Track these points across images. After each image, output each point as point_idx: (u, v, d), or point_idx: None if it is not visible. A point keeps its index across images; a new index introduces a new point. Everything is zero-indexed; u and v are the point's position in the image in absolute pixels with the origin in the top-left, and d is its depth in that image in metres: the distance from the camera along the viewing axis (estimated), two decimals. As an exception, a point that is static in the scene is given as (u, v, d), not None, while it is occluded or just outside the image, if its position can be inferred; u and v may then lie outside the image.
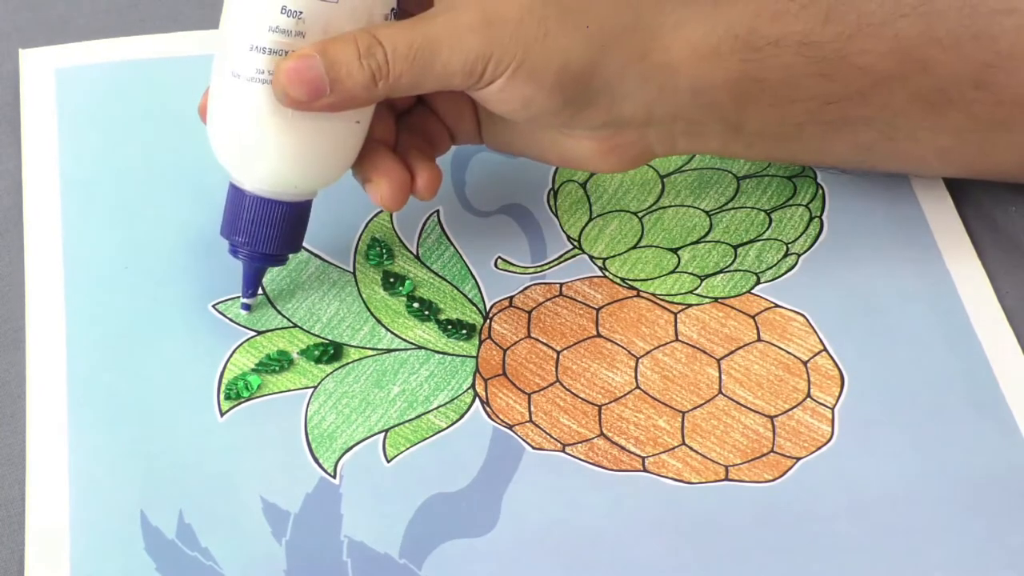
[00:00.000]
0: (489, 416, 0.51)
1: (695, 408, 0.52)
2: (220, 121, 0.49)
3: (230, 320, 0.53)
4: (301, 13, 0.46)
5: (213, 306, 0.53)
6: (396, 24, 0.47)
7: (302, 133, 0.48)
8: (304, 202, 0.50)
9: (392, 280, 0.55)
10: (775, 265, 0.56)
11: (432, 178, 0.51)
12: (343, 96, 0.47)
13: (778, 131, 0.52)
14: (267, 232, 0.50)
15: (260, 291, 0.54)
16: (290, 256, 0.52)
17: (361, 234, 0.56)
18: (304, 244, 0.55)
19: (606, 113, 0.49)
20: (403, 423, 0.51)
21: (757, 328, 0.54)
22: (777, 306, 0.55)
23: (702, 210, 0.57)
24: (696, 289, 0.55)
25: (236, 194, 0.50)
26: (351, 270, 0.55)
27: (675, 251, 0.56)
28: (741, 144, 0.52)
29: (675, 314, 0.54)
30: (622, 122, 0.50)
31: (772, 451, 0.51)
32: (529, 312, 0.54)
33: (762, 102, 0.50)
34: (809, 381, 0.53)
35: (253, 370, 0.51)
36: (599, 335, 0.54)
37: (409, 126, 0.52)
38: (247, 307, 0.53)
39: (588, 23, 0.48)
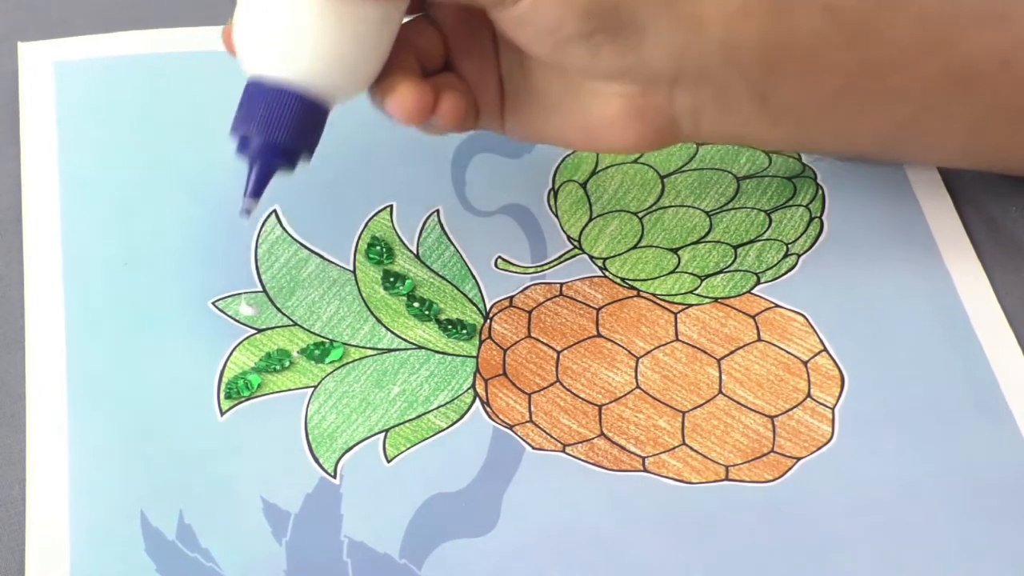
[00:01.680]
0: (489, 416, 0.51)
1: (695, 408, 0.52)
2: (252, 11, 0.48)
3: (230, 318, 0.53)
4: None
5: (213, 303, 0.53)
6: None
7: (335, 21, 0.47)
8: (322, 104, 0.48)
9: (392, 279, 0.55)
10: (775, 265, 0.56)
11: (457, 104, 0.49)
12: None
13: (805, 103, 0.51)
14: (283, 121, 0.47)
15: (260, 288, 0.53)
16: (299, 164, 0.49)
17: (361, 233, 0.56)
18: (304, 242, 0.55)
19: (635, 52, 0.48)
20: (403, 423, 0.51)
21: (757, 328, 0.54)
22: (777, 306, 0.55)
23: (702, 210, 0.57)
24: (696, 289, 0.55)
25: (254, 89, 0.48)
26: (351, 269, 0.55)
27: (675, 251, 0.56)
28: (768, 120, 0.52)
29: (675, 314, 0.54)
30: (650, 71, 0.49)
31: (772, 451, 0.51)
32: (529, 312, 0.54)
33: (789, 67, 0.49)
34: (809, 381, 0.53)
35: (253, 369, 0.51)
36: (599, 335, 0.54)
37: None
38: (247, 212, 0.49)
39: None
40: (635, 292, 0.55)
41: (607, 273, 0.55)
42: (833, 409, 0.52)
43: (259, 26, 0.48)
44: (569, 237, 0.57)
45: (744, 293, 0.55)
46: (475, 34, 0.51)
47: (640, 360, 0.53)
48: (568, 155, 0.59)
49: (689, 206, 0.57)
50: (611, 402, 0.52)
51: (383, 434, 0.50)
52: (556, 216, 0.57)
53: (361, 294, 0.54)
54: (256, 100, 0.48)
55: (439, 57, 0.52)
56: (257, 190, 0.48)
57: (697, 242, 0.56)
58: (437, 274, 0.55)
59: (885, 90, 0.51)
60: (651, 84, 0.49)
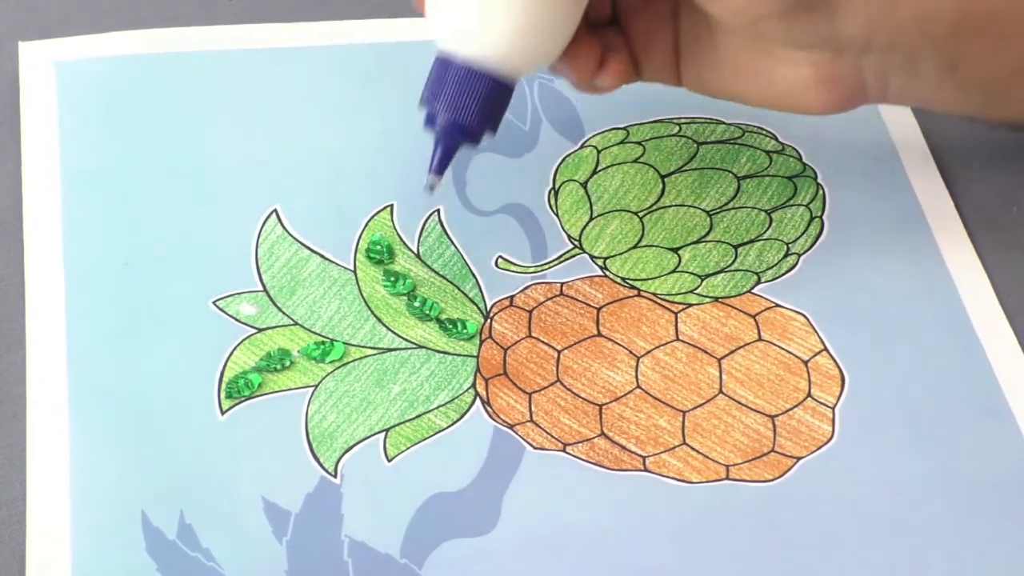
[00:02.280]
0: (490, 416, 0.51)
1: (696, 408, 0.52)
2: None
3: (231, 317, 0.53)
4: None
5: (213, 303, 0.53)
6: None
7: (528, 5, 0.47)
8: (509, 83, 0.49)
9: (393, 279, 0.55)
10: (776, 265, 0.56)
11: (619, 69, 0.51)
12: None
13: (995, 73, 0.51)
14: (471, 103, 0.48)
15: (261, 288, 0.53)
16: (482, 140, 0.50)
17: (362, 232, 0.56)
18: (304, 241, 0.55)
19: (828, 24, 0.48)
20: (404, 422, 0.51)
21: (758, 328, 0.54)
22: (778, 306, 0.55)
23: (703, 210, 0.57)
24: (697, 289, 0.55)
25: (443, 66, 0.48)
26: (352, 268, 0.55)
27: (676, 251, 0.56)
28: (956, 87, 0.51)
29: (676, 314, 0.54)
30: (842, 41, 0.49)
31: (773, 451, 0.51)
32: (530, 311, 0.54)
33: (981, 35, 0.49)
34: (810, 381, 0.53)
35: (254, 368, 0.51)
36: (600, 335, 0.54)
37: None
38: (431, 186, 0.50)
39: None
40: (635, 292, 0.55)
41: (607, 273, 0.55)
42: (833, 409, 0.52)
43: (452, 1, 0.48)
44: (569, 237, 0.57)
45: (744, 293, 0.55)
46: None
47: (640, 360, 0.53)
48: (568, 155, 0.59)
49: (690, 206, 0.57)
50: (611, 402, 0.52)
51: (383, 434, 0.50)
52: (556, 216, 0.57)
53: (362, 294, 0.54)
54: (445, 77, 0.48)
55: (605, 12, 0.52)
56: (442, 167, 0.49)
57: (697, 242, 0.56)
58: (438, 274, 0.55)
59: None
60: (842, 53, 0.49)
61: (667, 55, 0.52)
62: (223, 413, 0.50)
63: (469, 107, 0.48)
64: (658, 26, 0.52)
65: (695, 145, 0.60)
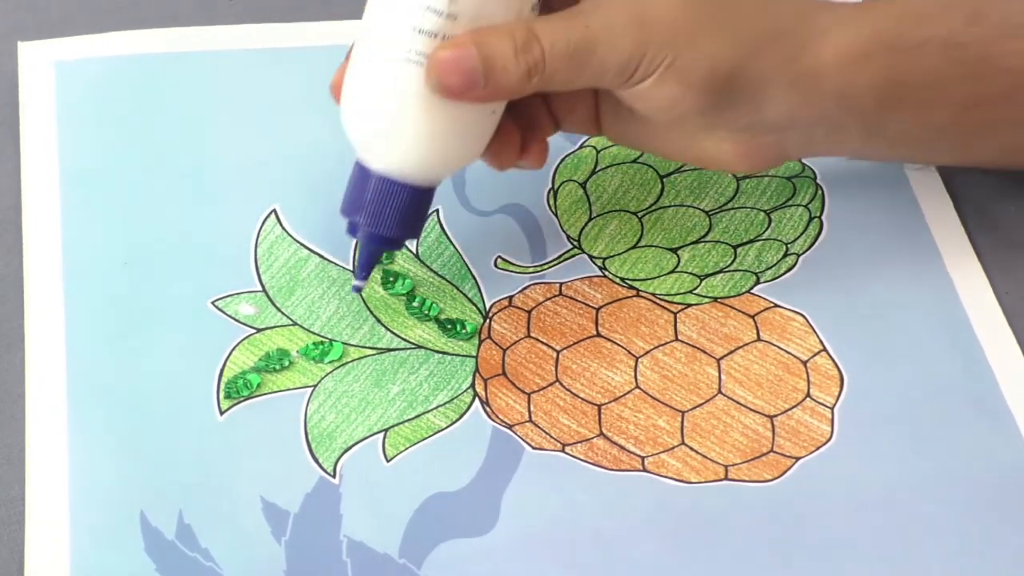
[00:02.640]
0: (489, 416, 0.51)
1: (695, 408, 0.52)
2: (359, 99, 0.48)
3: (229, 317, 0.53)
4: None
5: (212, 303, 0.53)
6: (551, 19, 0.47)
7: (442, 118, 0.47)
8: (429, 188, 0.49)
9: (392, 279, 0.55)
10: (775, 265, 0.56)
11: (541, 150, 0.51)
12: (496, 89, 0.47)
13: (920, 134, 0.52)
14: (390, 214, 0.49)
15: (260, 288, 0.54)
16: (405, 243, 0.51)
17: (361, 233, 0.56)
18: (303, 241, 0.55)
19: (750, 116, 0.49)
20: (403, 423, 0.51)
21: (757, 328, 0.54)
22: (777, 306, 0.55)
23: (702, 210, 0.57)
24: (696, 289, 0.55)
25: (362, 174, 0.49)
26: (351, 268, 0.55)
27: (675, 251, 0.56)
28: (882, 146, 0.52)
29: (675, 314, 0.54)
30: (764, 126, 0.50)
31: (772, 451, 0.51)
32: (529, 312, 0.54)
33: (905, 105, 0.50)
34: (809, 381, 0.53)
35: (253, 368, 0.51)
36: (599, 335, 0.54)
37: (513, 105, 0.51)
38: (359, 289, 0.51)
39: (738, 27, 0.48)
40: (634, 292, 0.55)
41: (607, 273, 0.55)
42: (832, 409, 0.52)
43: (368, 113, 0.48)
44: (569, 237, 0.57)
45: (744, 293, 0.55)
46: None
47: (639, 360, 0.53)
48: (567, 155, 0.59)
49: (688, 206, 0.57)
50: (610, 402, 0.52)
51: (382, 434, 0.50)
52: (556, 216, 0.57)
53: (360, 294, 0.54)
54: (365, 186, 0.49)
55: None
56: (366, 273, 0.51)
57: (696, 242, 0.56)
58: (437, 274, 0.55)
59: (998, 121, 0.51)
60: (765, 132, 0.50)
61: (588, 112, 0.53)
62: (222, 413, 0.50)
63: (389, 218, 0.49)
64: (580, 91, 0.52)
65: (694, 145, 0.60)
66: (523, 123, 0.51)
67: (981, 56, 0.50)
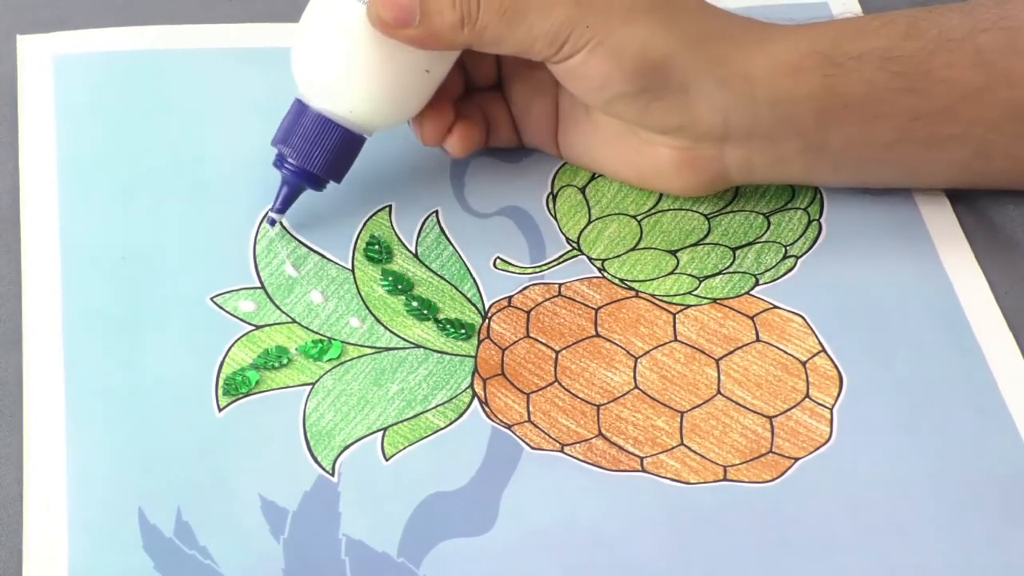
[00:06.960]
0: (488, 416, 0.51)
1: (694, 408, 0.52)
2: (304, 36, 0.51)
3: (228, 313, 0.53)
4: None
5: (211, 299, 0.53)
6: None
7: (380, 61, 0.50)
8: (359, 136, 0.52)
9: (391, 278, 0.55)
10: (774, 267, 0.56)
11: (464, 137, 0.54)
12: (428, 31, 0.49)
13: (865, 152, 0.52)
14: (319, 153, 0.52)
15: (259, 285, 0.53)
16: (327, 186, 0.53)
17: (360, 232, 0.56)
18: (303, 240, 0.55)
19: (682, 113, 0.50)
20: (401, 422, 0.51)
21: (756, 329, 0.54)
22: (776, 307, 0.55)
23: (701, 213, 0.57)
24: (695, 290, 0.55)
25: (300, 108, 0.52)
26: (350, 268, 0.55)
27: (674, 253, 0.56)
28: (827, 166, 0.53)
29: (674, 314, 0.54)
30: (698, 128, 0.50)
31: (771, 451, 0.51)
32: (528, 312, 0.54)
33: (845, 119, 0.50)
34: (808, 381, 0.53)
35: (252, 365, 0.51)
36: (598, 335, 0.54)
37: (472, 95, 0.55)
38: (273, 222, 0.54)
39: (675, 20, 0.49)
40: (634, 293, 0.55)
41: (606, 274, 0.55)
42: (831, 409, 0.52)
43: (314, 54, 0.51)
44: (568, 239, 0.56)
45: (743, 294, 0.55)
46: (531, 63, 0.52)
47: (639, 360, 0.53)
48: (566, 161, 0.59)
49: (687, 209, 0.58)
50: (609, 402, 0.52)
51: (381, 432, 0.50)
52: (555, 218, 0.57)
53: (360, 292, 0.54)
54: (299, 123, 0.52)
55: (490, 77, 0.55)
56: (284, 207, 0.53)
57: (696, 244, 0.56)
58: (436, 274, 0.55)
59: (944, 136, 0.51)
60: (701, 140, 0.51)
61: (546, 123, 0.55)
62: (221, 410, 0.50)
63: (318, 156, 0.52)
64: (539, 93, 0.54)
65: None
66: (478, 119, 0.54)
67: (920, 69, 0.50)
